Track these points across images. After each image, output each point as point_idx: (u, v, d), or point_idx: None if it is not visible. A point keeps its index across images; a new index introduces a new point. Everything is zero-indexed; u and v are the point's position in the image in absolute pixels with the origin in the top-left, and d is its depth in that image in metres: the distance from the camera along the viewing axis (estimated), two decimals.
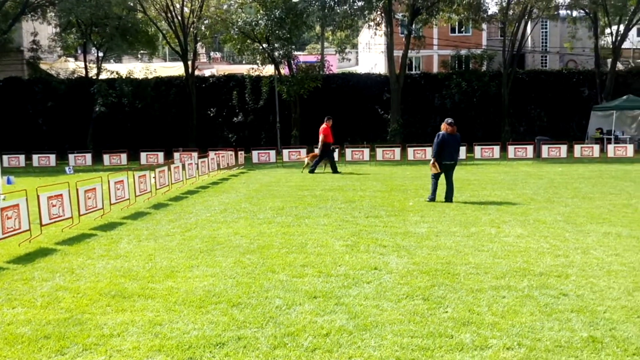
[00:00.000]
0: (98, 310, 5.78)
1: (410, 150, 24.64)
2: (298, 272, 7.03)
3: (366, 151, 25.25)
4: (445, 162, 12.62)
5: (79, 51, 38.65)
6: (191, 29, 33.15)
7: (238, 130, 35.09)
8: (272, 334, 5.10)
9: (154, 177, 15.00)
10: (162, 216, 11.64)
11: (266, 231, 9.66)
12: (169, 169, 16.21)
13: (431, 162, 12.82)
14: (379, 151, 24.85)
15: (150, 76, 36.11)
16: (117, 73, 34.68)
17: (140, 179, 13.97)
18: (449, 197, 12.70)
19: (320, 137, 20.13)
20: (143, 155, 26.16)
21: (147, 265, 7.56)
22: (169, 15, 32.63)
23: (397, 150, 25.01)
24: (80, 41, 35.24)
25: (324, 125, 20.30)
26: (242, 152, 25.34)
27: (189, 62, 33.70)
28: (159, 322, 5.43)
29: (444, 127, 12.67)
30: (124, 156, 26.35)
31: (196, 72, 36.54)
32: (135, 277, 6.98)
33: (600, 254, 7.71)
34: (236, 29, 30.01)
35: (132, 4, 32.76)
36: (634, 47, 50.17)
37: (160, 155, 25.88)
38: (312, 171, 20.22)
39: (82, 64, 35.98)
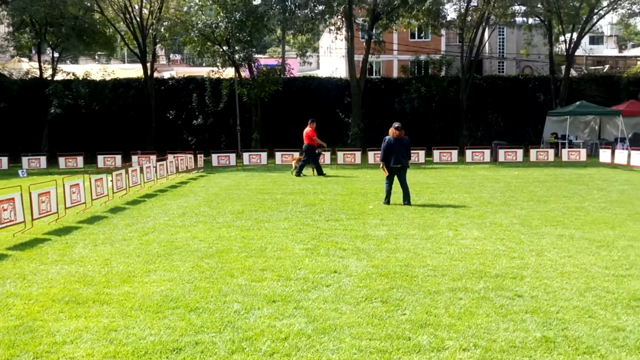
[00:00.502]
0: (50, 317, 5.64)
1: (370, 154, 24.80)
2: (257, 276, 6.99)
3: (327, 155, 25.28)
4: (393, 165, 12.89)
5: (33, 51, 37.64)
6: (150, 31, 32.70)
7: (198, 133, 34.75)
8: (230, 338, 5.06)
9: (111, 181, 14.73)
10: (119, 220, 11.44)
11: (225, 235, 9.58)
12: (127, 172, 15.95)
13: (381, 165, 13.24)
14: (340, 155, 24.92)
15: (108, 78, 35.45)
16: (73, 74, 33.94)
17: (97, 182, 13.70)
18: (406, 200, 12.87)
19: (310, 140, 20.28)
20: (100, 158, 25.64)
21: (102, 270, 7.41)
22: (127, 16, 32.12)
23: (358, 154, 25.14)
24: (34, 41, 34.32)
25: (308, 129, 20.44)
26: (202, 156, 25.10)
27: (148, 64, 33.22)
28: (115, 328, 5.32)
29: (391, 131, 13.05)
30: (80, 159, 25.79)
31: (155, 74, 36.07)
32: (91, 282, 6.83)
33: (554, 256, 7.89)
34: (196, 31, 29.72)
35: (88, 4, 32.12)
36: (587, 54, 51.71)
37: (118, 158, 25.41)
38: (298, 174, 20.28)
39: (36, 65, 35.08)
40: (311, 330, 5.21)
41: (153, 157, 22.55)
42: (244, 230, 9.98)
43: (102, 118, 33.62)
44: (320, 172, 20.38)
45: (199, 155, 24.41)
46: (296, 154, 22.66)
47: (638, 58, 52.54)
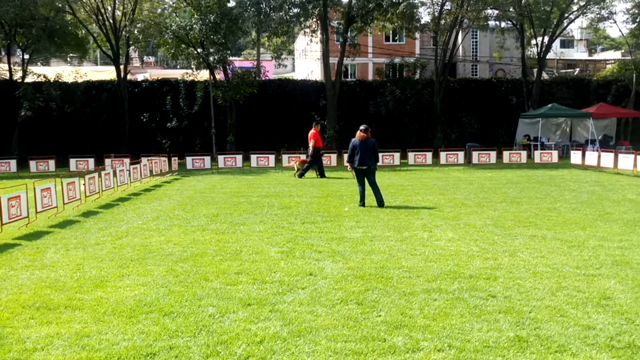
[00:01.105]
0: (20, 324, 5.53)
1: (345, 157, 24.80)
2: (232, 279, 6.96)
3: (303, 157, 25.27)
4: (358, 167, 13.06)
5: (3, 53, 36.99)
6: (123, 33, 32.31)
7: (172, 135, 34.45)
8: (205, 342, 5.02)
9: (84, 184, 14.54)
10: (92, 224, 11.29)
11: (200, 239, 9.52)
12: (100, 175, 15.76)
13: (348, 167, 13.58)
14: None
15: (80, 80, 34.95)
16: (44, 76, 33.38)
17: (69, 186, 13.51)
18: (379, 203, 13.00)
19: (311, 143, 20.42)
20: (72, 161, 25.29)
21: (75, 275, 7.30)
22: (100, 17, 31.71)
23: (334, 157, 25.17)
24: (3, 42, 33.66)
25: (312, 131, 20.57)
26: (176, 158, 24.91)
27: (121, 67, 32.84)
28: (87, 333, 5.25)
29: (357, 133, 13.20)
30: (52, 162, 25.39)
31: (129, 77, 35.65)
32: (62, 287, 6.73)
33: (526, 256, 7.99)
34: (170, 33, 29.48)
35: (60, 5, 31.59)
36: (558, 57, 52.56)
37: (91, 161, 25.10)
38: (301, 175, 20.41)
39: (6, 67, 34.43)
40: (286, 333, 5.20)
41: (127, 161, 22.34)
42: (219, 234, 9.93)
43: (74, 121, 33.17)
44: (322, 174, 20.54)
45: (173, 158, 24.23)
46: (303, 156, 22.67)
47: (607, 61, 53.56)
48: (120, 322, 5.54)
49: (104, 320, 5.60)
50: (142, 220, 11.56)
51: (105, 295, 6.39)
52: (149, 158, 21.57)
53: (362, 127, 13.28)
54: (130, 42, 33.93)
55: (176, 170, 24.23)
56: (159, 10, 35.93)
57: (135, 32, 33.73)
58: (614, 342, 4.94)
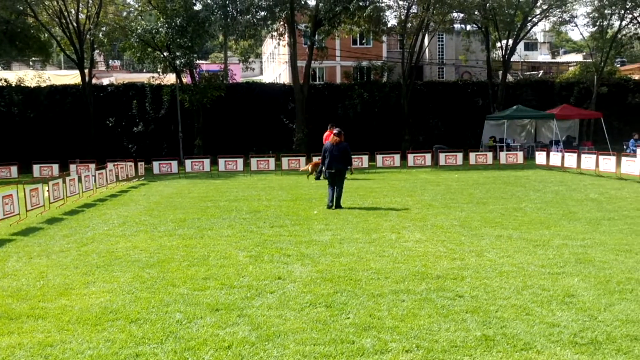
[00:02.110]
0: None
1: (315, 160, 24.82)
2: (200, 285, 6.89)
3: (271, 160, 25.24)
4: (328, 170, 13.21)
5: None
6: (87, 36, 31.80)
7: (138, 140, 34.00)
8: (172, 349, 4.96)
9: (48, 191, 14.25)
10: (56, 231, 11.07)
11: (167, 244, 9.41)
12: (64, 181, 15.47)
13: (323, 170, 13.75)
14: (285, 160, 24.90)
15: (43, 84, 34.28)
16: (5, 80, 32.67)
17: (32, 192, 13.22)
18: (335, 202, 13.14)
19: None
20: (36, 167, 24.75)
21: (38, 283, 7.14)
22: (63, 21, 31.15)
23: (303, 160, 25.16)
24: None
25: (327, 133, 20.85)
26: (143, 163, 24.59)
27: (86, 71, 32.31)
28: (50, 343, 5.14)
29: (330, 137, 13.38)
30: (14, 169, 24.80)
31: (94, 81, 35.09)
32: (25, 296, 6.58)
33: (493, 256, 8.10)
34: (136, 37, 29.10)
35: (21, 8, 30.92)
36: (522, 60, 53.48)
37: (55, 167, 24.59)
38: (318, 178, 20.52)
39: None
40: (255, 338, 5.17)
41: (92, 166, 21.96)
42: (186, 239, 9.83)
43: (37, 126, 32.51)
44: (318, 177, 20.71)
45: (139, 163, 23.92)
46: (316, 158, 22.63)
47: (569, 64, 54.72)
48: (85, 330, 5.44)
49: (68, 329, 5.49)
50: (108, 227, 11.38)
51: (69, 304, 6.26)
52: (115, 163, 21.25)
53: (335, 131, 13.40)
54: (95, 46, 33.41)
55: (143, 175, 23.93)
56: (125, 14, 35.49)
57: (100, 35, 33.26)
58: (577, 339, 5.03)
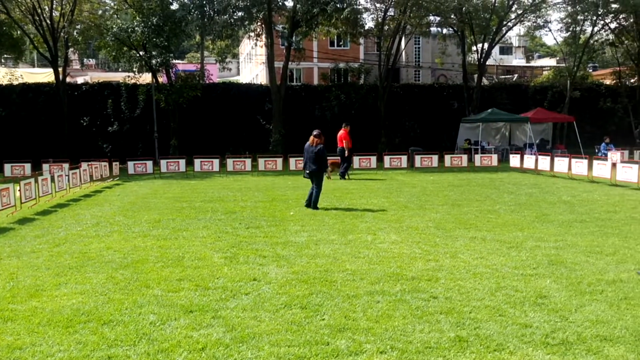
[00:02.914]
0: None
1: (292, 161, 24.83)
2: (174, 286, 6.84)
3: (248, 161, 25.15)
4: (305, 170, 13.39)
5: None
6: (62, 34, 31.35)
7: (113, 140, 33.61)
8: (145, 351, 4.91)
9: (19, 190, 14.01)
10: (28, 231, 10.89)
11: (141, 245, 9.32)
12: (36, 181, 15.22)
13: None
14: (261, 161, 24.83)
15: (15, 82, 33.71)
16: None
17: (2, 192, 12.98)
18: (313, 204, 13.17)
19: (345, 143, 21.05)
20: (7, 166, 24.29)
21: (7, 285, 7.02)
22: (37, 18, 30.63)
23: (279, 161, 25.12)
24: None
25: (342, 132, 21.39)
26: (117, 163, 24.32)
27: (60, 69, 31.85)
28: (20, 345, 5.05)
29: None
30: None
31: (68, 79, 34.62)
32: None
33: (467, 258, 8.17)
34: (111, 35, 28.76)
35: None
36: (497, 64, 54.09)
37: (27, 166, 24.15)
38: (343, 176, 21.05)
39: None
40: (229, 340, 5.14)
41: (66, 165, 21.63)
42: (160, 240, 9.75)
43: (9, 124, 31.96)
44: (343, 176, 21.12)
45: (114, 163, 23.65)
46: (332, 158, 22.68)
47: (544, 68, 55.52)
48: (56, 332, 5.36)
49: (38, 331, 5.40)
50: (81, 227, 11.23)
51: (40, 305, 6.16)
52: (89, 163, 20.97)
53: (314, 132, 13.48)
54: (69, 44, 32.94)
55: (117, 175, 23.67)
56: (100, 12, 35.06)
57: (75, 33, 32.81)
58: (549, 339, 5.10)
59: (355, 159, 25.64)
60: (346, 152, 21.19)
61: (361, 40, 38.73)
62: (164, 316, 5.76)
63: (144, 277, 7.27)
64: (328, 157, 22.36)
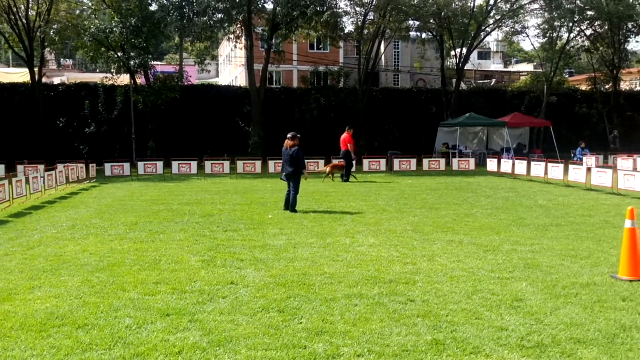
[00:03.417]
0: None
1: (271, 163, 24.80)
2: (150, 289, 6.77)
3: (226, 164, 25.05)
4: (282, 172, 13.47)
5: None
6: (38, 33, 30.93)
7: (90, 141, 33.23)
8: (121, 355, 4.85)
9: None
10: (1, 234, 10.71)
11: (117, 248, 9.22)
12: (11, 182, 14.99)
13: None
14: (240, 164, 24.74)
15: None
16: None
17: None
18: (291, 207, 13.22)
19: (349, 146, 21.43)
20: None
21: None
22: (12, 17, 30.21)
23: (258, 163, 25.06)
24: None
25: (345, 135, 21.69)
26: (94, 165, 24.05)
27: (36, 69, 31.44)
28: None
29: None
30: None
31: (44, 80, 34.19)
32: None
33: (444, 261, 8.22)
34: (89, 36, 28.48)
35: None
36: (475, 68, 54.61)
37: (1, 167, 23.79)
38: (347, 180, 21.16)
39: None
40: (206, 343, 5.10)
41: (41, 167, 21.34)
42: (137, 243, 9.65)
43: None
44: (347, 178, 21.36)
45: (91, 165, 23.38)
46: (335, 160, 22.91)
47: (521, 73, 56.17)
48: (29, 336, 5.27)
49: (10, 335, 5.31)
50: (56, 229, 11.08)
51: (12, 309, 6.06)
52: (65, 164, 20.72)
53: (288, 135, 13.48)
54: (46, 44, 32.50)
55: (94, 177, 23.40)
56: (77, 12, 34.71)
57: (51, 33, 32.39)
58: (524, 342, 5.14)
59: (334, 162, 25.66)
60: (352, 155, 21.60)
61: (341, 44, 38.90)
62: (140, 320, 5.70)
63: (120, 280, 7.19)
64: (339, 160, 22.59)
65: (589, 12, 33.25)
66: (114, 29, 27.85)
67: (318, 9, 29.32)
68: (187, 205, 14.66)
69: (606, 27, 35.31)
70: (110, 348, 5.00)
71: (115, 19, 28.41)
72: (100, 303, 6.23)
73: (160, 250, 8.98)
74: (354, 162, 22.09)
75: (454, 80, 37.60)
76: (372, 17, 33.89)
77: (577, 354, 4.90)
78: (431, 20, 33.04)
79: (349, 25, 35.50)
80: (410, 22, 34.37)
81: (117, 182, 21.82)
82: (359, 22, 33.93)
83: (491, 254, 8.70)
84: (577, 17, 33.22)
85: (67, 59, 62.33)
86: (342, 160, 21.76)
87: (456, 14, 32.83)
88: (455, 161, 26.55)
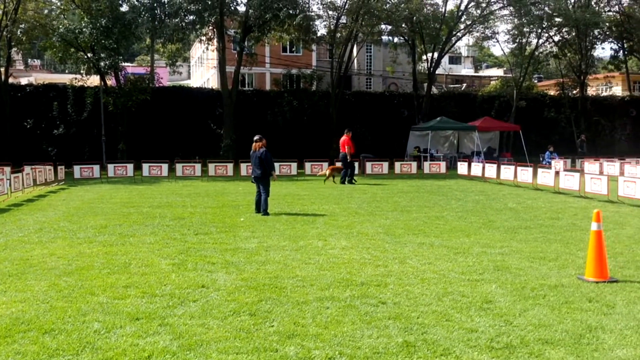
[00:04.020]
0: None
1: (243, 166, 24.66)
2: (120, 293, 6.68)
3: (198, 166, 24.85)
4: (252, 175, 13.53)
5: None
6: (4, 33, 30.33)
7: (59, 143, 32.66)
8: None
9: None
10: None
11: (86, 251, 9.07)
12: None
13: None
14: (212, 166, 24.57)
15: None
16: None
17: None
18: (262, 210, 13.20)
19: (347, 149, 21.66)
20: None
21: None
22: None
23: (230, 166, 24.92)
24: None
25: (344, 137, 21.87)
26: (63, 167, 23.65)
27: (2, 69, 30.81)
28: None
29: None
30: None
31: (11, 80, 33.51)
32: None
33: (415, 263, 8.28)
34: (57, 36, 28.03)
35: None
36: (447, 73, 55.18)
37: None
38: (351, 182, 21.41)
39: None
40: (176, 347, 5.05)
41: (7, 169, 20.87)
42: (106, 246, 9.52)
43: None
44: (350, 181, 21.48)
45: (59, 167, 22.98)
46: (338, 164, 22.83)
47: (491, 78, 56.93)
48: None
49: None
50: (23, 233, 10.86)
51: None
52: (33, 166, 20.33)
53: (255, 138, 13.54)
54: (13, 43, 31.87)
55: (63, 179, 23.01)
56: (46, 11, 34.13)
57: (19, 33, 31.79)
58: (494, 343, 5.20)
59: (307, 165, 25.72)
60: (348, 157, 21.64)
61: (314, 47, 38.94)
62: (109, 324, 5.61)
63: (88, 284, 7.08)
64: (339, 162, 22.52)
65: (557, 19, 33.89)
66: (84, 29, 27.44)
67: (291, 12, 29.31)
68: (157, 208, 14.51)
69: (573, 34, 36.04)
70: (77, 353, 4.92)
71: (85, 19, 28.01)
72: (68, 308, 6.13)
73: (130, 254, 8.87)
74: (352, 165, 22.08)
75: (425, 85, 37.94)
76: (344, 21, 34.02)
77: (544, 355, 4.97)
78: (403, 25, 33.30)
79: (321, 29, 35.59)
80: (383, 26, 34.61)
81: (87, 185, 21.50)
82: (332, 26, 34.03)
83: (461, 256, 8.79)
84: (546, 23, 33.83)
85: (35, 60, 61.25)
86: (341, 163, 21.94)
87: (428, 19, 33.15)
88: (426, 164, 26.78)
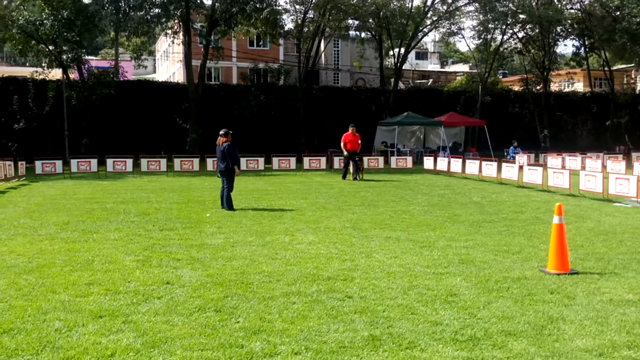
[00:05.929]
0: None
1: (209, 161, 24.44)
2: (82, 291, 6.56)
3: (163, 161, 24.55)
4: (217, 170, 13.57)
5: None
6: None
7: (20, 138, 31.85)
8: (49, 359, 4.67)
9: None
10: None
11: (48, 248, 8.88)
12: None
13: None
14: (177, 162, 24.29)
15: None
16: None
17: None
18: (227, 205, 13.17)
19: (345, 144, 21.46)
20: None
21: None
22: None
23: (196, 161, 24.68)
24: None
25: (348, 133, 21.55)
26: (24, 162, 23.08)
27: None
28: None
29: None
30: None
31: None
32: None
33: (382, 257, 8.33)
34: (17, 28, 27.31)
35: None
36: (413, 68, 55.57)
37: None
38: (355, 179, 21.16)
39: None
40: (140, 345, 4.98)
41: None
42: (69, 243, 9.33)
43: None
44: (345, 176, 21.50)
45: (20, 162, 22.42)
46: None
47: (457, 73, 57.54)
48: None
49: None
50: None
51: None
52: None
53: (220, 132, 13.47)
54: None
55: (24, 175, 22.47)
56: (5, 2, 33.20)
57: None
58: (458, 336, 5.26)
59: (275, 160, 25.61)
60: (345, 152, 21.54)
61: (281, 41, 38.75)
62: (71, 322, 5.50)
63: (50, 281, 6.93)
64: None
65: (521, 16, 34.38)
66: (45, 21, 26.80)
67: (257, 5, 29.10)
68: (122, 203, 14.29)
69: (537, 31, 36.59)
70: (37, 353, 4.81)
71: (46, 10, 27.34)
72: (28, 306, 5.99)
73: (93, 251, 8.71)
74: (355, 161, 21.69)
75: (392, 80, 38.12)
76: (312, 16, 33.93)
77: (507, 346, 5.05)
78: (370, 20, 33.38)
79: (289, 23, 35.42)
80: (350, 21, 34.62)
81: (49, 181, 21.04)
82: (299, 20, 33.91)
83: (427, 250, 8.87)
84: (510, 20, 34.29)
85: None
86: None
87: (394, 15, 33.29)
88: (393, 159, 26.95)
